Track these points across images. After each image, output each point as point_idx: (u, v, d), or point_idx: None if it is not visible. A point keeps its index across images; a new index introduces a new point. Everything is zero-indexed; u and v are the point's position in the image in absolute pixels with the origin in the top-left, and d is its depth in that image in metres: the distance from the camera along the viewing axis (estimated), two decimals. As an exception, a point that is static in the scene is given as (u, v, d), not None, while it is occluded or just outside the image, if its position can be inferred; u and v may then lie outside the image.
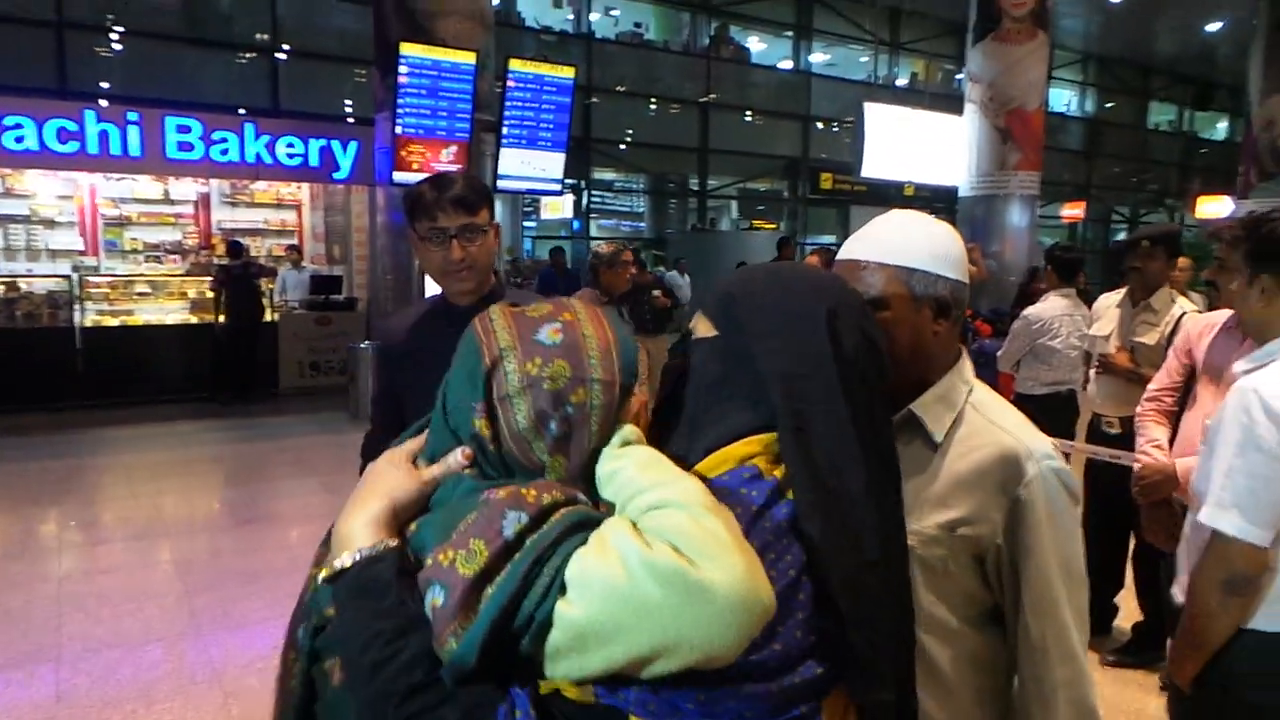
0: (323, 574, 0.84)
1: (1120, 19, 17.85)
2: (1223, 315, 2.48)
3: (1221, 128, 24.06)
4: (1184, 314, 3.35)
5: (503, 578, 0.75)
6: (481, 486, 0.84)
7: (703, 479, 0.83)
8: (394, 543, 0.83)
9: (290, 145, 8.97)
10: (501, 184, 7.98)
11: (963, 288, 1.18)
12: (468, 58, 7.41)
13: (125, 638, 3.69)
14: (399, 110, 7.25)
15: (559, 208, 16.15)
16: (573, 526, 0.77)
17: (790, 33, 17.36)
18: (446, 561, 0.77)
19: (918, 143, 11.47)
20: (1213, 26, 18.27)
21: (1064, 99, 20.35)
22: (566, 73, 8.10)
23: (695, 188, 16.91)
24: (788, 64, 17.49)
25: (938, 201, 18.00)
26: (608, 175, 17.35)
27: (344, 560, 0.82)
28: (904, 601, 0.95)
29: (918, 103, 12.85)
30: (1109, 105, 21.46)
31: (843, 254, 1.23)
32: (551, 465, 0.84)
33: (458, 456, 0.87)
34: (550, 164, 8.14)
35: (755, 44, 17.48)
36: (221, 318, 8.81)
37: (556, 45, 14.93)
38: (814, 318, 0.93)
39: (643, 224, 18.48)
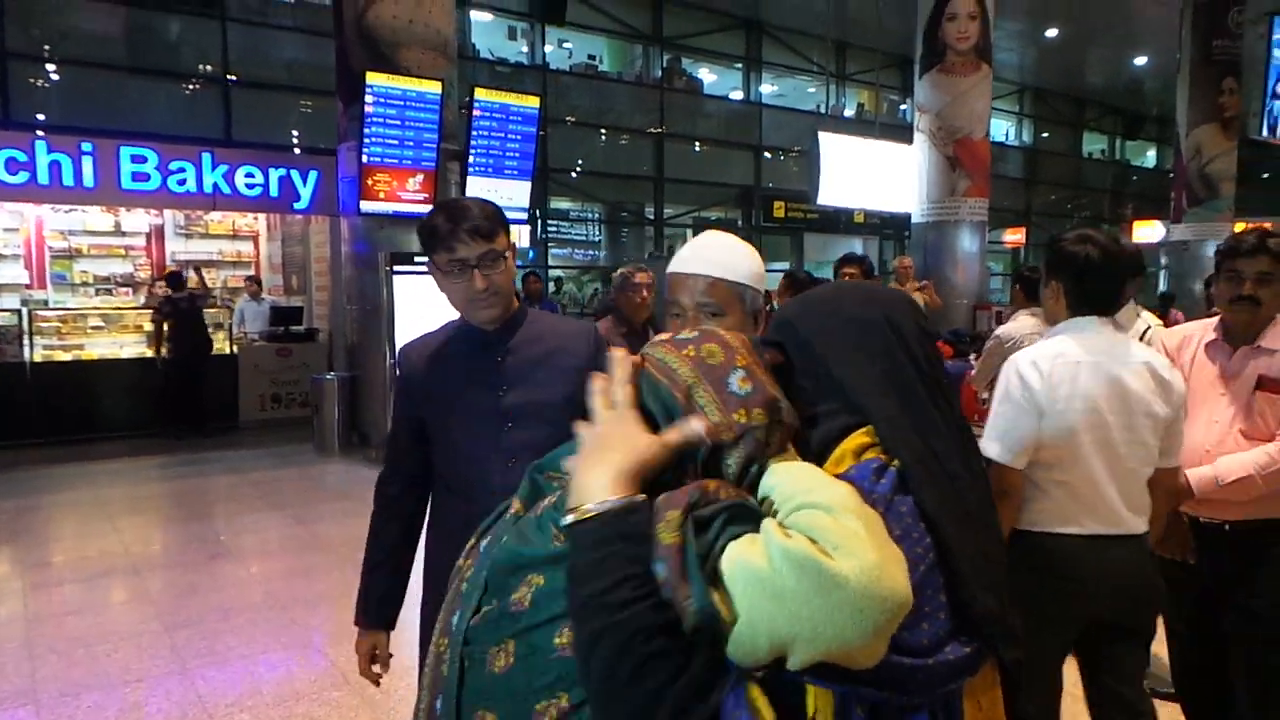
0: (568, 518, 0.83)
1: (1053, 53, 18.62)
2: (1196, 329, 2.59)
3: (1150, 156, 25.14)
4: (1149, 328, 3.50)
5: (690, 553, 0.78)
6: None
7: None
8: (643, 498, 0.82)
9: (249, 175, 8.89)
10: (468, 213, 8.00)
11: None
12: (433, 87, 7.45)
13: (105, 678, 3.58)
14: (365, 139, 7.24)
15: (514, 237, 16.14)
16: (735, 512, 0.81)
17: (740, 65, 17.74)
18: (658, 537, 0.79)
19: (871, 171, 11.78)
20: (1140, 60, 19.17)
21: (1003, 129, 21.08)
22: (532, 102, 8.18)
23: (651, 216, 17.09)
24: (738, 95, 17.86)
25: (887, 228, 18.50)
26: (563, 204, 17.44)
27: (591, 508, 0.81)
28: (1004, 559, 1.01)
29: (866, 132, 13.20)
30: (1045, 135, 22.29)
31: (685, 268, 1.46)
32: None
33: (697, 426, 0.88)
34: (517, 193, 8.19)
35: (707, 75, 17.81)
36: (164, 351, 8.62)
37: (512, 76, 15.03)
38: (875, 324, 1.04)
39: (600, 253, 18.58)
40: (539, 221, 16.37)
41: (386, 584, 1.93)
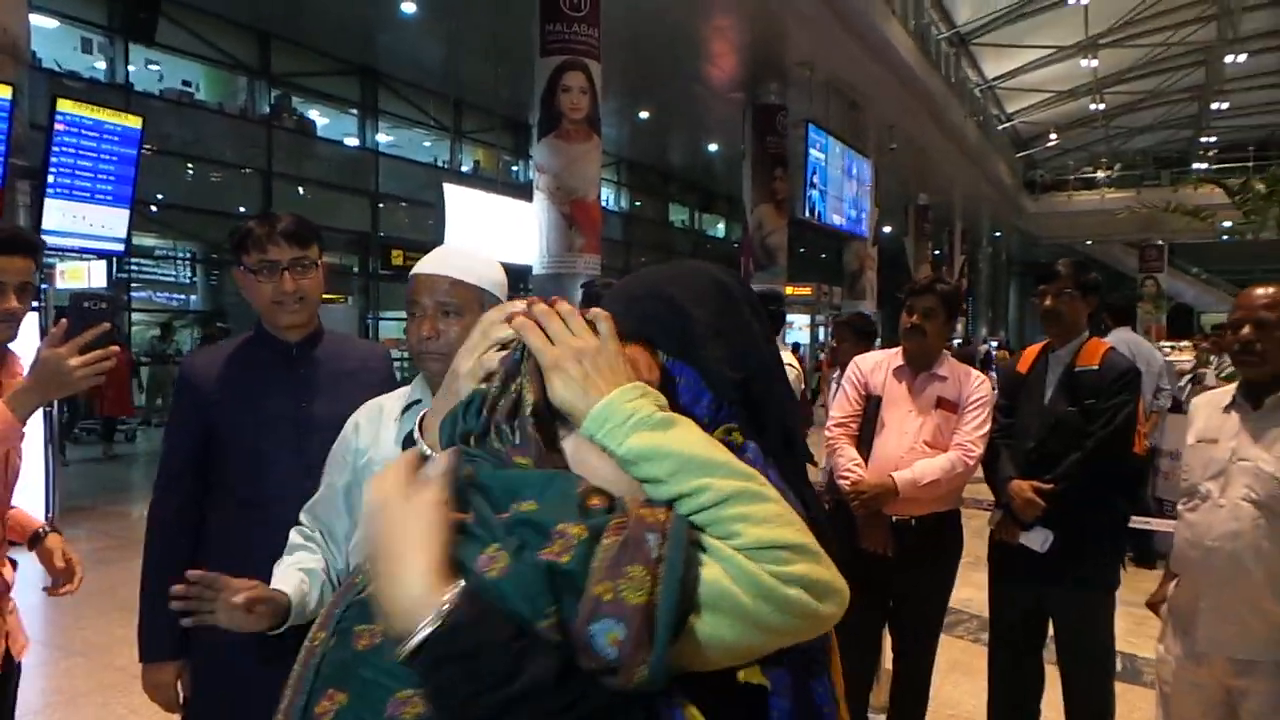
0: (404, 651, 0.72)
1: (645, 132, 21.00)
2: (884, 356, 3.02)
3: (721, 227, 29.35)
4: (787, 365, 4.13)
5: (662, 602, 0.74)
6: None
7: None
8: (458, 587, 0.74)
9: None
10: (48, 240, 6.79)
11: None
12: (2, 91, 6.29)
13: None
14: (-100, 144, 5.87)
15: (80, 275, 13.97)
16: (689, 541, 0.79)
17: (355, 110, 17.37)
18: (609, 595, 0.73)
19: (493, 224, 12.25)
20: (713, 147, 22.38)
21: (605, 195, 23.18)
22: (132, 122, 7.27)
23: (258, 259, 15.86)
24: (354, 141, 17.44)
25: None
26: (148, 241, 15.48)
27: (422, 633, 0.72)
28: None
29: (487, 187, 13.70)
30: (639, 203, 24.93)
31: (428, 269, 1.54)
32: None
33: (441, 461, 0.84)
34: (111, 220, 7.15)
35: (319, 118, 17.15)
36: None
37: (84, 93, 13.11)
38: (746, 310, 1.07)
39: (194, 295, 16.78)
40: (117, 259, 14.34)
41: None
